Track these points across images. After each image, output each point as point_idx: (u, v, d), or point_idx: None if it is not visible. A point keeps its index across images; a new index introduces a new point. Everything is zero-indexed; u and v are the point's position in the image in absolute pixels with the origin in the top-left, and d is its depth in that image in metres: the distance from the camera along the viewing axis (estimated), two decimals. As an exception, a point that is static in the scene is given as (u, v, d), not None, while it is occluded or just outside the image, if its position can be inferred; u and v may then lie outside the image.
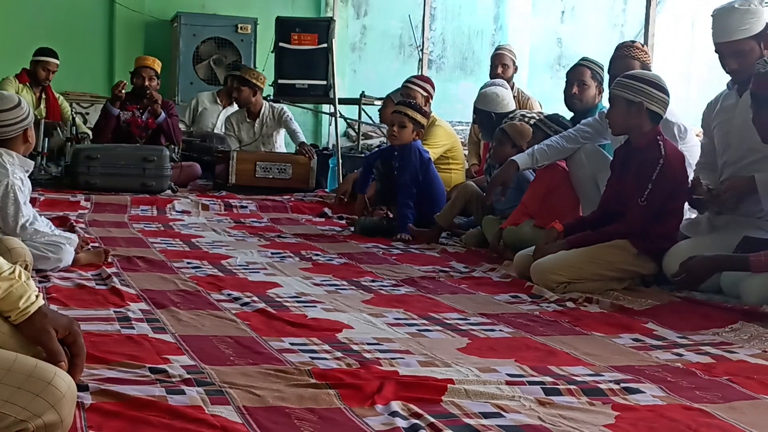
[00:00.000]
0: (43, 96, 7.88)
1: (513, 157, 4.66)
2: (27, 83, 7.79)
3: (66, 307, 3.05)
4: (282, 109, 7.61)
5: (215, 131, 8.25)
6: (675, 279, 3.62)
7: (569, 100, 5.11)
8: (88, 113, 8.86)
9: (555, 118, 4.87)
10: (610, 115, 4.03)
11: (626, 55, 4.59)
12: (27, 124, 3.69)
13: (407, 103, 5.56)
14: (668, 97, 3.90)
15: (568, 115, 5.16)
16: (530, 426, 2.07)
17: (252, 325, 2.95)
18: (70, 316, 2.03)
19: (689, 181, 3.95)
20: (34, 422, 1.69)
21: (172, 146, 7.43)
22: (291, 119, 7.57)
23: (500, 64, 7.15)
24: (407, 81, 6.56)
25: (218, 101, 8.40)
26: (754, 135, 3.92)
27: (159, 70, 7.60)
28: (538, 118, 4.94)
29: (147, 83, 7.43)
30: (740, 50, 3.87)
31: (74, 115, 8.02)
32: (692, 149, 4.36)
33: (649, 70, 4.43)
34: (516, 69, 7.22)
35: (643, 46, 4.51)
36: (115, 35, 9.95)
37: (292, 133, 7.55)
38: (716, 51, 3.96)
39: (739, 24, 3.83)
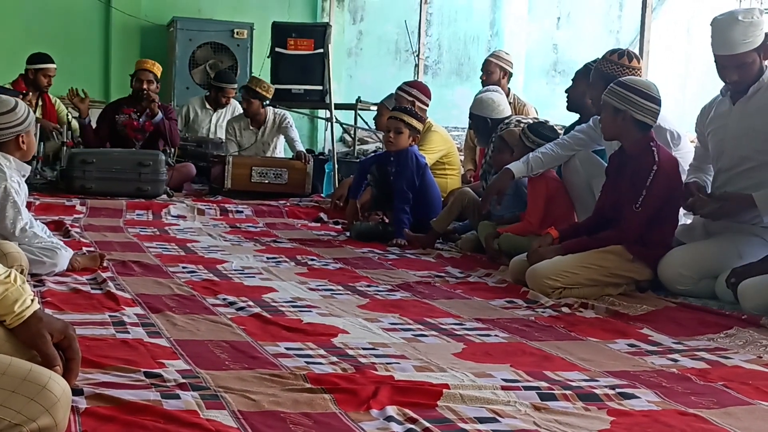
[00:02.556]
0: (40, 102, 7.86)
1: (508, 166, 4.66)
2: (24, 91, 7.74)
3: (61, 312, 3.04)
4: (284, 115, 7.61)
5: (210, 136, 8.25)
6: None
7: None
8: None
9: (537, 130, 4.82)
10: (601, 121, 4.05)
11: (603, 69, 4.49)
12: (21, 130, 3.64)
13: (403, 109, 5.56)
14: (658, 106, 3.89)
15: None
16: (525, 431, 2.07)
17: (247, 329, 2.94)
18: (65, 321, 2.03)
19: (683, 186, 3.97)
20: (29, 426, 1.69)
21: (169, 150, 7.43)
22: (291, 126, 7.57)
23: (484, 71, 7.13)
24: (398, 88, 6.59)
25: (207, 106, 8.40)
26: (747, 143, 3.94)
27: (159, 74, 7.60)
28: (521, 128, 4.91)
29: (145, 86, 7.43)
30: (743, 63, 3.87)
31: (69, 120, 8.00)
32: (686, 155, 4.37)
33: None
34: (509, 75, 7.18)
35: (630, 61, 4.43)
36: (111, 40, 9.94)
37: (290, 141, 7.55)
38: (716, 61, 3.96)
39: (743, 37, 3.82)
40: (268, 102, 7.52)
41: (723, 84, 4.07)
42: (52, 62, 7.76)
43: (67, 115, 8.08)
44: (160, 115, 7.38)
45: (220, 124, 8.29)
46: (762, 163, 3.90)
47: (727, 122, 4.02)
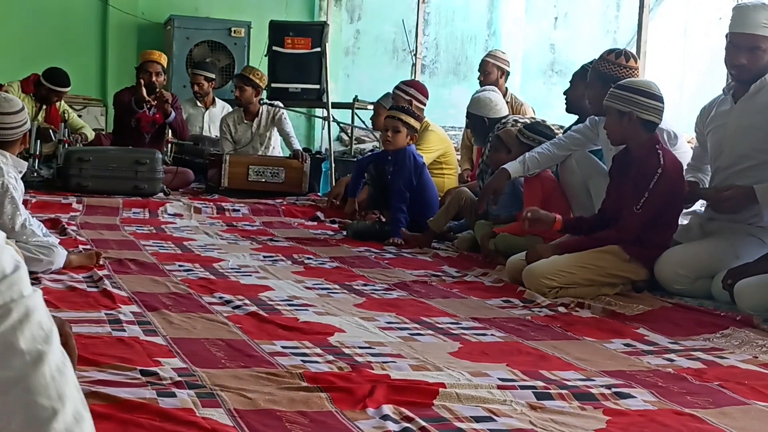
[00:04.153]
0: (44, 106, 7.81)
1: (504, 165, 4.67)
2: (30, 94, 7.68)
3: (57, 309, 3.03)
4: (277, 108, 7.58)
5: (204, 133, 8.25)
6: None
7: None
8: (80, 116, 8.83)
9: (535, 128, 4.84)
10: (607, 127, 4.01)
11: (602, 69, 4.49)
12: (27, 128, 3.75)
13: (401, 108, 5.56)
14: (661, 104, 3.88)
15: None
16: (521, 430, 2.07)
17: (244, 328, 2.94)
18: (62, 318, 2.02)
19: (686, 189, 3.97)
20: (24, 424, 1.68)
21: (170, 144, 7.45)
22: (286, 119, 7.53)
23: (481, 71, 7.15)
24: (395, 87, 6.59)
25: (198, 104, 8.38)
26: (747, 141, 3.94)
27: (165, 65, 7.59)
28: (518, 127, 4.92)
29: (154, 79, 7.41)
30: (755, 46, 3.86)
31: (66, 118, 7.98)
32: (683, 156, 4.37)
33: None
34: (506, 74, 7.19)
35: (627, 60, 4.44)
36: (108, 38, 9.93)
37: (286, 137, 7.53)
38: (729, 42, 3.93)
39: (765, 20, 3.83)
40: (263, 100, 7.51)
41: (722, 84, 4.07)
42: (68, 85, 7.65)
43: (64, 113, 8.06)
44: (173, 114, 7.38)
45: (213, 121, 8.28)
46: (761, 161, 3.90)
47: (728, 120, 4.03)
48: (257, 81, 7.38)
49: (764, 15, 3.83)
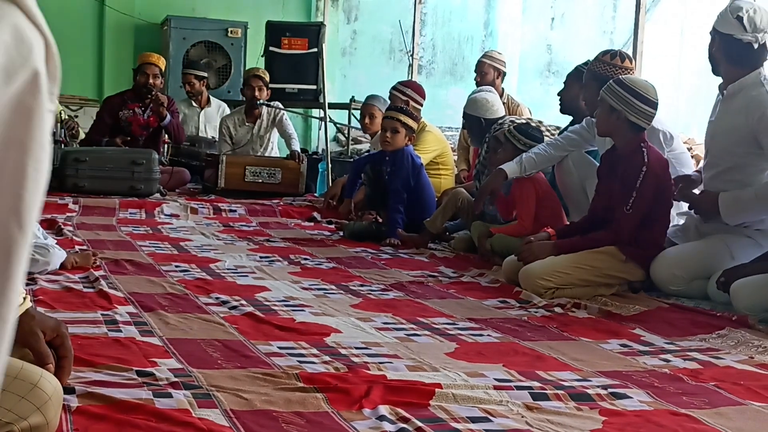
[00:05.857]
0: None
1: (501, 166, 4.67)
2: None
3: (53, 310, 3.03)
4: (278, 110, 7.57)
5: (200, 133, 8.24)
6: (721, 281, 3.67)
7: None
8: (77, 116, 8.82)
9: (524, 131, 4.83)
10: (596, 116, 4.06)
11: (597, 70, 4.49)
12: None
13: (399, 109, 5.56)
14: (654, 109, 3.89)
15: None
16: (518, 430, 2.07)
17: (240, 328, 2.94)
18: (58, 318, 2.02)
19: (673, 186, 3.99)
20: (20, 425, 1.68)
21: (167, 145, 7.43)
22: (286, 121, 7.51)
23: (478, 72, 7.16)
24: (392, 87, 6.60)
25: (194, 104, 8.37)
26: (723, 143, 3.96)
27: (163, 68, 7.57)
28: (507, 129, 4.91)
29: (151, 81, 7.38)
30: (712, 35, 3.98)
31: (62, 119, 7.97)
32: (679, 156, 4.38)
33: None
34: (503, 75, 7.19)
35: (623, 61, 4.45)
36: (104, 38, 9.92)
37: (287, 138, 7.50)
38: None
39: (724, 15, 3.90)
40: (260, 101, 7.51)
41: (716, 85, 4.08)
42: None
43: (61, 113, 8.05)
44: (168, 117, 7.35)
45: (208, 121, 8.27)
46: (735, 164, 3.92)
47: (714, 121, 4.05)
48: (268, 81, 7.44)
49: (731, 12, 3.86)
